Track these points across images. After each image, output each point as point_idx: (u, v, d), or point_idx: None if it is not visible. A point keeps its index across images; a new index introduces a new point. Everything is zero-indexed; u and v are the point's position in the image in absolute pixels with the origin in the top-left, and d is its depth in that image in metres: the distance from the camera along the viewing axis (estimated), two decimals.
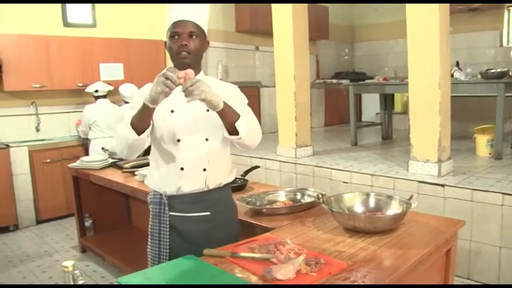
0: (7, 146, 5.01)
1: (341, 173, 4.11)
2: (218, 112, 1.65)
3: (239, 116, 1.68)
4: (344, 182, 4.07)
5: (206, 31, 1.86)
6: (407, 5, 3.77)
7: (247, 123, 1.71)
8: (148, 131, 1.73)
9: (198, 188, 1.85)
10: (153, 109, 1.65)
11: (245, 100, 1.89)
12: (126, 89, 5.43)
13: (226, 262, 1.60)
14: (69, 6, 5.74)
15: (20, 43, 5.15)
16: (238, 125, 1.67)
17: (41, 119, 5.62)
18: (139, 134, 1.69)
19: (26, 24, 5.37)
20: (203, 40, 1.83)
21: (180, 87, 1.58)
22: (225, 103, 1.64)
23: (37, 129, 5.60)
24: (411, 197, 2.02)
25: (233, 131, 1.68)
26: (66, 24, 5.74)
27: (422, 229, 1.92)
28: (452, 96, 3.91)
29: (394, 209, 1.99)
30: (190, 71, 1.59)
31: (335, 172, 4.17)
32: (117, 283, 1.46)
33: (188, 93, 1.56)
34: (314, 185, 4.25)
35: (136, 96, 1.85)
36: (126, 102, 5.38)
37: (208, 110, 1.76)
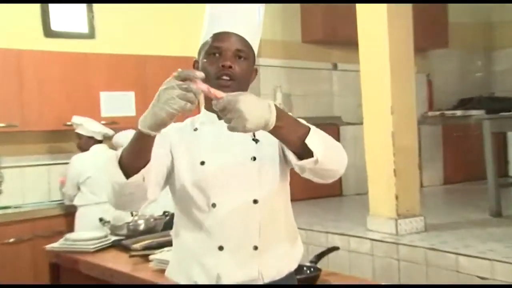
0: None
1: (475, 262, 3.91)
2: (273, 131, 1.60)
3: (308, 128, 1.64)
4: (481, 278, 3.80)
5: (256, 55, 1.96)
6: None
7: (322, 137, 1.69)
8: (144, 171, 1.64)
9: (246, 278, 1.85)
10: (153, 138, 1.62)
11: None
12: (124, 138, 5.32)
13: None
14: (52, 7, 5.93)
15: None
16: (309, 141, 1.61)
17: (4, 176, 5.59)
18: (128, 177, 1.61)
19: None
20: (252, 67, 1.93)
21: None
22: (279, 113, 1.58)
23: None
24: None
25: (303, 153, 1.63)
26: (49, 33, 5.93)
27: None
28: None
29: None
30: (215, 90, 1.58)
31: (464, 260, 3.97)
32: None
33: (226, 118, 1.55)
34: (428, 279, 4.17)
35: None
36: None
37: (254, 159, 1.84)
